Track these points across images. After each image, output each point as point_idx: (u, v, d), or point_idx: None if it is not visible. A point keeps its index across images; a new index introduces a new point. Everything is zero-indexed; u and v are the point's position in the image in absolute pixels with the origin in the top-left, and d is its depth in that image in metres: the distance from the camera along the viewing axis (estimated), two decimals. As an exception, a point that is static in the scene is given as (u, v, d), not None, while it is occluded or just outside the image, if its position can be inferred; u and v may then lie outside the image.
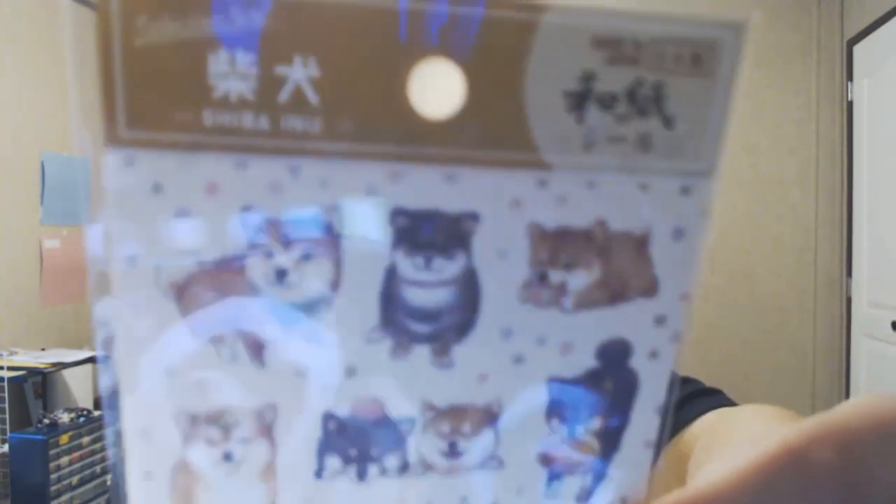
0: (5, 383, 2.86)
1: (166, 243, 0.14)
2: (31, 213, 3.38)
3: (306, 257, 0.15)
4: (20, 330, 3.31)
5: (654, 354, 0.17)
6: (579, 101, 0.15)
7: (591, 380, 0.17)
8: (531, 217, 0.16)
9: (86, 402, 3.26)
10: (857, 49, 2.98)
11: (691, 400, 0.46)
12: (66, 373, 3.13)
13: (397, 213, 0.15)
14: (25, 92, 3.34)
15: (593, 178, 0.16)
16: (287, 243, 0.15)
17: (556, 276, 0.16)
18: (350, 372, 0.16)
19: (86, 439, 2.84)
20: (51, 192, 3.47)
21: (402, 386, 0.16)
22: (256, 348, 0.16)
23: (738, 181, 3.23)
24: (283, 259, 0.15)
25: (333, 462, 0.16)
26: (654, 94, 0.15)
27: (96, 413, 2.95)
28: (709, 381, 0.59)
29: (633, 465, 0.18)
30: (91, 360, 3.20)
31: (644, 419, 0.17)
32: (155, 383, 0.15)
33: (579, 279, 0.16)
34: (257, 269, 0.15)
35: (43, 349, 3.27)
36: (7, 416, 2.88)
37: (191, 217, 0.14)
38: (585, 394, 0.17)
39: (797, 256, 3.26)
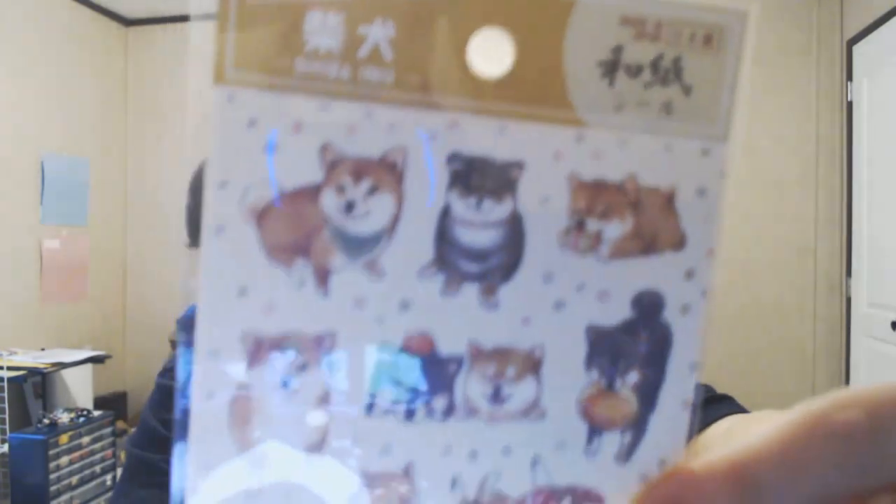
0: (5, 383, 2.86)
1: (253, 172, 0.17)
2: (31, 213, 3.38)
3: (373, 191, 0.17)
4: (20, 330, 3.31)
5: (685, 309, 0.18)
6: (611, 68, 0.17)
7: (627, 330, 0.18)
8: (570, 168, 0.18)
9: (85, 402, 3.26)
10: (857, 49, 2.98)
11: (703, 407, 0.46)
12: (66, 373, 3.13)
13: (454, 158, 0.17)
14: (25, 92, 3.34)
15: (624, 136, 0.18)
16: (357, 178, 0.17)
17: (592, 224, 0.18)
18: (404, 306, 0.17)
19: (85, 439, 2.84)
20: (51, 192, 3.47)
21: (451, 323, 0.18)
22: (323, 275, 0.17)
23: (738, 181, 3.22)
24: (353, 192, 0.17)
25: (384, 398, 0.18)
26: (673, 67, 0.18)
27: (96, 413, 2.95)
28: (708, 381, 0.59)
29: (671, 425, 0.19)
30: (90, 360, 3.20)
31: (679, 377, 0.18)
32: (228, 303, 0.17)
33: (614, 228, 0.18)
34: (329, 199, 0.17)
35: (43, 349, 3.27)
36: (7, 416, 2.88)
37: (277, 149, 0.17)
38: (623, 344, 0.18)
39: (797, 256, 3.26)
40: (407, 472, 0.18)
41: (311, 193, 0.17)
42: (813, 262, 3.25)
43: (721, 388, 0.62)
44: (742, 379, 3.24)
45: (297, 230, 0.17)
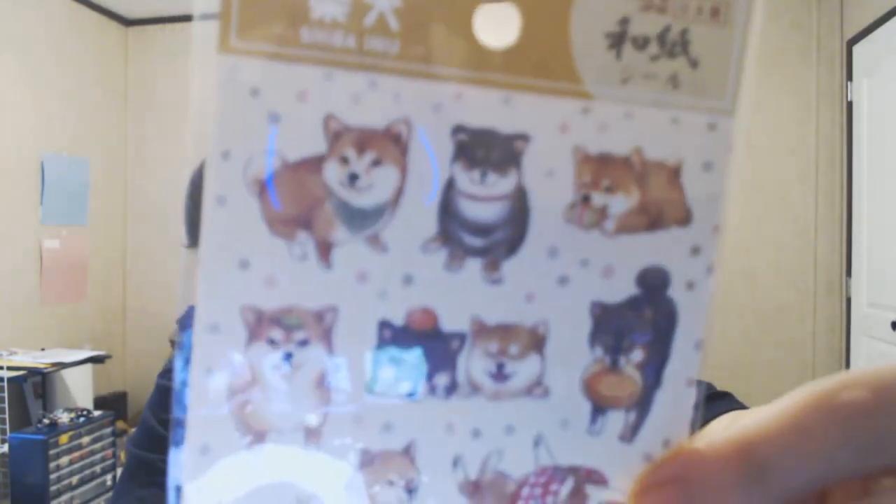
0: (5, 383, 2.86)
1: (256, 141, 0.16)
2: (31, 213, 3.38)
3: (376, 163, 0.17)
4: (20, 330, 3.30)
5: (690, 285, 0.18)
6: (618, 40, 0.17)
7: (632, 307, 0.18)
8: (576, 141, 0.17)
9: (85, 402, 3.26)
10: (857, 49, 2.98)
11: (704, 403, 0.46)
12: (66, 373, 3.13)
13: (458, 130, 0.17)
14: (25, 92, 3.34)
15: (630, 109, 0.17)
16: (361, 149, 0.17)
17: (598, 198, 0.17)
18: (407, 280, 0.17)
19: (86, 439, 2.84)
20: (51, 192, 3.47)
21: (454, 298, 0.17)
22: (325, 249, 0.17)
23: (738, 181, 3.22)
24: (357, 163, 0.17)
25: (386, 375, 0.17)
26: (680, 39, 0.17)
27: (96, 413, 2.95)
28: (708, 380, 0.59)
29: (675, 404, 0.18)
30: (90, 360, 3.20)
31: (684, 354, 0.18)
32: (229, 276, 0.16)
33: (619, 203, 0.17)
34: (332, 171, 0.17)
35: (43, 349, 3.27)
36: (7, 416, 2.87)
37: (280, 119, 0.16)
38: (628, 322, 0.18)
39: (797, 256, 3.26)
40: (408, 451, 0.18)
41: (314, 165, 0.16)
42: (813, 262, 3.25)
43: (721, 388, 0.62)
44: (742, 379, 3.24)
45: (299, 202, 0.17)
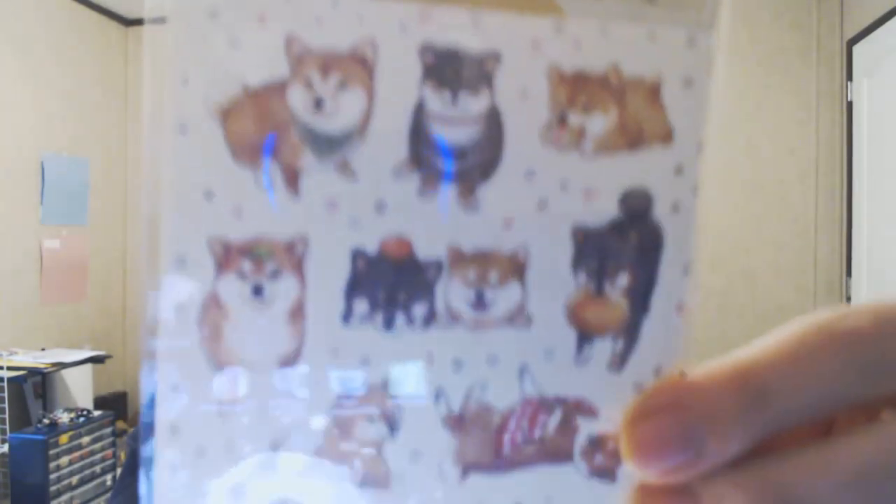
0: (5, 383, 2.86)
1: (216, 67, 0.16)
2: (31, 213, 3.38)
3: (342, 86, 0.16)
4: (20, 330, 3.30)
5: (676, 207, 0.17)
6: None
7: (615, 230, 0.17)
8: (550, 59, 0.17)
9: (85, 402, 3.26)
10: (857, 49, 2.98)
11: None
12: (66, 373, 3.12)
13: (426, 50, 0.16)
14: (26, 92, 3.33)
15: (605, 25, 0.17)
16: (326, 72, 0.16)
17: (575, 118, 0.17)
18: (379, 207, 0.16)
19: (85, 439, 2.84)
20: (51, 192, 3.46)
21: (429, 226, 0.17)
22: (292, 177, 0.16)
23: (738, 181, 3.22)
24: (322, 87, 0.16)
25: (361, 306, 0.17)
26: None
27: (96, 413, 2.95)
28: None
29: (665, 330, 0.18)
30: (90, 360, 3.19)
31: (672, 279, 0.17)
32: (194, 207, 0.16)
33: (598, 123, 0.17)
34: (297, 96, 0.16)
35: (43, 349, 3.27)
36: (7, 416, 2.87)
37: (241, 44, 0.16)
38: (611, 246, 0.17)
39: (797, 256, 3.26)
40: (387, 385, 0.17)
41: (278, 90, 0.16)
42: (813, 262, 3.24)
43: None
44: (742, 379, 3.24)
45: (263, 129, 0.16)
